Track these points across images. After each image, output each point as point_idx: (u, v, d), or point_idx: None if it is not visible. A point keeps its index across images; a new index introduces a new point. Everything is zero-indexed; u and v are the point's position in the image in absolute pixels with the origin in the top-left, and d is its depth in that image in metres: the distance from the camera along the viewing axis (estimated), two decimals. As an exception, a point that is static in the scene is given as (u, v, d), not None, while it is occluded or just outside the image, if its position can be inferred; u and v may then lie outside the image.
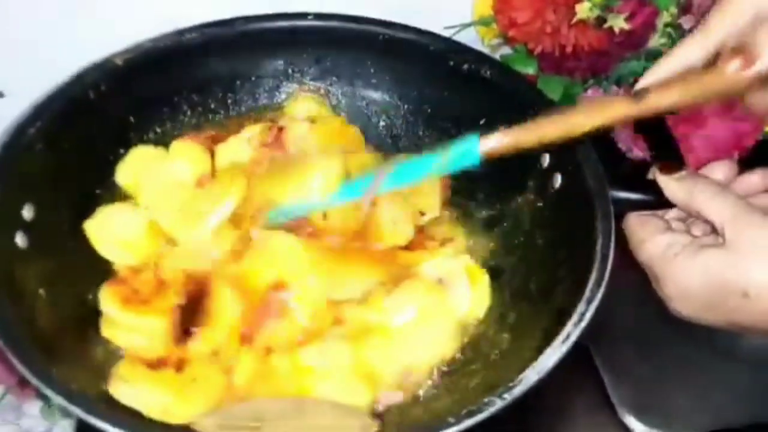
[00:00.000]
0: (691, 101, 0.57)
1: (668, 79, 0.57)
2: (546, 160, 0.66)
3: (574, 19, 0.71)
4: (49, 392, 0.47)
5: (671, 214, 0.64)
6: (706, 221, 0.58)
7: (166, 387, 0.55)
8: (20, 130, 0.59)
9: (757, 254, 0.53)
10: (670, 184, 0.59)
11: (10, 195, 0.57)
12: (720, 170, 0.62)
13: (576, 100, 0.78)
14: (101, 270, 0.63)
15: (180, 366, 0.56)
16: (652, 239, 0.59)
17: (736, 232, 0.54)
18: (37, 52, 0.77)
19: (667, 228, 0.61)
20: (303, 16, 0.72)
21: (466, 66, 0.70)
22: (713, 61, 0.56)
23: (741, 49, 0.53)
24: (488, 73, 0.70)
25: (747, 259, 0.53)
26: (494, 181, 0.68)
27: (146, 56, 0.68)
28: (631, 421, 0.65)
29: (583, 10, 0.69)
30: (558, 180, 0.65)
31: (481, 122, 0.71)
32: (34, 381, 0.48)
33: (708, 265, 0.55)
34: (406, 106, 0.75)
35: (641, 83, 0.58)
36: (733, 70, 0.53)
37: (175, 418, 0.53)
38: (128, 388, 0.54)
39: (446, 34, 0.76)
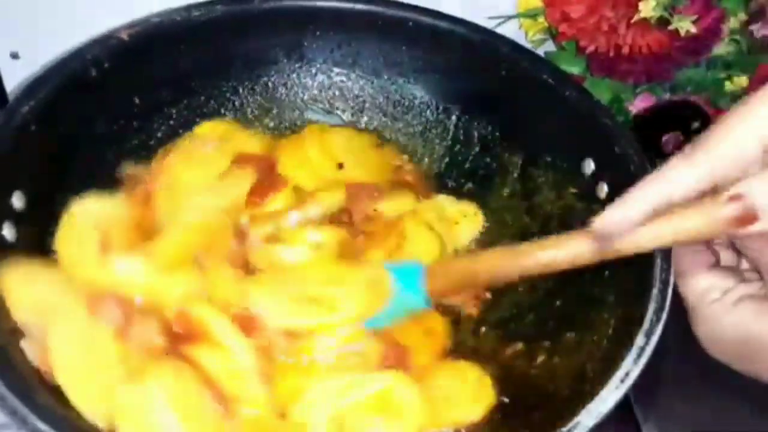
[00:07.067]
0: (669, 244, 0.50)
1: (641, 218, 0.47)
2: (590, 166, 0.62)
3: (635, 18, 0.66)
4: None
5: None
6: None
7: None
8: (11, 109, 0.55)
9: None
10: None
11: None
12: None
13: (623, 106, 0.73)
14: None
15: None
16: (694, 274, 0.55)
17: None
18: (55, 12, 0.74)
19: (714, 263, 0.56)
20: (327, -6, 0.69)
21: (505, 61, 0.66)
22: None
23: (738, 197, 0.44)
24: (532, 70, 0.65)
25: None
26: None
27: (155, 31, 0.63)
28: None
29: (647, 9, 0.65)
30: (604, 189, 0.61)
31: (519, 120, 0.68)
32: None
33: (743, 320, 0.52)
34: (436, 101, 0.71)
35: (604, 224, 0.47)
36: (725, 220, 0.44)
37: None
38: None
39: (489, 25, 0.72)
